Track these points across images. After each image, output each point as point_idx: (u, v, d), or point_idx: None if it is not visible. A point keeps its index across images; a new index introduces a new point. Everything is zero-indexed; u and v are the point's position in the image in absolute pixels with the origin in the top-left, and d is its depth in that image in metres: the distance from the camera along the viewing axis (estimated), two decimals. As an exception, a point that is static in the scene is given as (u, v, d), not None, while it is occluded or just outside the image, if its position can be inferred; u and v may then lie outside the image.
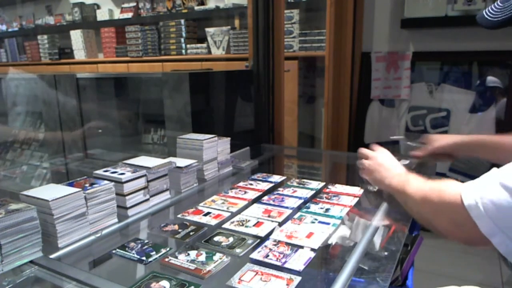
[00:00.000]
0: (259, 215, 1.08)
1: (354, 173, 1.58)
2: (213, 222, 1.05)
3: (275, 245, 0.90)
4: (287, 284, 0.75)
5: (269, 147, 1.96)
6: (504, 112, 2.25)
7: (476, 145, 1.28)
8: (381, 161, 1.15)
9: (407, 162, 1.35)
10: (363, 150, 1.25)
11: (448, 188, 0.78)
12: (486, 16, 0.97)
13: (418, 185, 0.90)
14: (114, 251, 0.90)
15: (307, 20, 3.03)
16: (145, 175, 1.12)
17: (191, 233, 0.98)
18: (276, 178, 1.41)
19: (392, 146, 2.47)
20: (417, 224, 1.33)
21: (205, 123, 1.66)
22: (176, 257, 0.85)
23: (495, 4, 0.95)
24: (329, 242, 0.92)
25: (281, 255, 0.85)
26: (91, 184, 0.99)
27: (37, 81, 2.16)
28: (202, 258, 0.85)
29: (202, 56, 3.63)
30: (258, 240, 0.93)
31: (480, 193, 0.70)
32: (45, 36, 4.82)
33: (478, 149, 1.28)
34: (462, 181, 0.78)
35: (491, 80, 2.30)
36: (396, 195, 1.02)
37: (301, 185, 1.32)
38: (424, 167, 1.41)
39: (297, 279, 0.76)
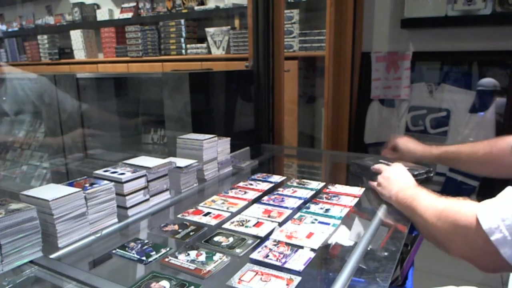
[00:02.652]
0: (259, 215, 1.08)
1: (354, 173, 1.58)
2: (213, 222, 1.05)
3: (275, 245, 0.90)
4: (287, 284, 0.75)
5: (269, 147, 1.96)
6: (504, 112, 2.25)
7: (449, 159, 1.23)
8: (388, 175, 1.12)
9: (416, 172, 1.27)
10: (377, 166, 1.23)
11: (463, 209, 0.72)
12: None
13: (429, 203, 0.84)
14: (114, 251, 0.90)
15: (307, 20, 3.03)
16: (145, 175, 1.12)
17: (191, 233, 0.98)
18: (276, 178, 1.41)
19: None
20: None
21: (205, 123, 1.66)
22: (176, 257, 0.85)
23: None
24: (329, 242, 0.92)
25: (281, 255, 0.85)
26: (91, 184, 0.99)
27: (36, 80, 2.16)
28: (202, 258, 0.85)
29: (202, 56, 3.63)
30: (258, 240, 0.93)
31: (501, 215, 0.63)
32: (45, 36, 4.82)
33: (453, 163, 1.25)
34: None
35: (483, 83, 2.30)
36: (403, 210, 0.98)
37: (301, 185, 1.32)
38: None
39: (297, 279, 0.76)
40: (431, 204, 0.83)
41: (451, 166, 1.20)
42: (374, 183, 1.19)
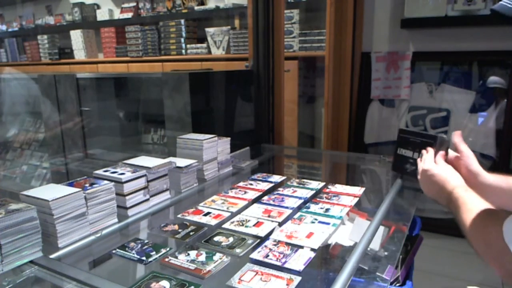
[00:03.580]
0: (259, 215, 1.08)
1: (354, 173, 1.58)
2: (213, 222, 1.05)
3: (275, 245, 0.90)
4: (287, 284, 0.75)
5: (269, 147, 1.96)
6: (504, 112, 2.25)
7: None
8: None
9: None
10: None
11: (491, 225, 0.72)
12: (507, 4, 0.93)
13: (468, 214, 0.81)
14: (114, 251, 0.90)
15: (307, 20, 3.03)
16: (145, 175, 1.11)
17: (191, 233, 0.98)
18: (276, 178, 1.41)
19: (392, 146, 2.47)
20: (417, 224, 1.33)
21: (205, 123, 1.66)
22: (176, 257, 0.85)
23: None
24: (329, 242, 0.92)
25: (281, 255, 0.85)
26: (91, 184, 0.99)
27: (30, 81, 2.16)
28: (202, 258, 0.85)
29: (202, 56, 3.63)
30: (258, 240, 0.93)
31: None
32: (45, 36, 4.82)
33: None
34: None
35: (493, 80, 2.30)
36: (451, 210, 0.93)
37: (301, 185, 1.32)
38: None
39: (297, 279, 0.76)
40: (469, 215, 0.81)
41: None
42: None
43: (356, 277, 0.77)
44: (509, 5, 0.91)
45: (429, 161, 1.05)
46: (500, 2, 0.93)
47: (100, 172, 1.09)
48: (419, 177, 1.07)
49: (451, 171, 1.00)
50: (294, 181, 1.37)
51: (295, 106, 2.81)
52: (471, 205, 0.83)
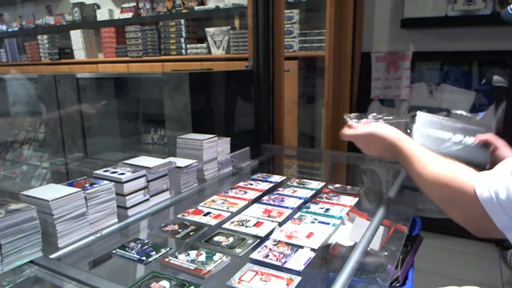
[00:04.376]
0: (259, 215, 1.08)
1: (354, 173, 1.58)
2: (213, 222, 1.05)
3: (275, 245, 0.90)
4: (287, 284, 0.75)
5: (269, 147, 1.96)
6: (504, 112, 2.25)
7: None
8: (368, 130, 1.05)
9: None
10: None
11: (462, 177, 0.75)
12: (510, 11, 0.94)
13: (429, 164, 0.85)
14: (114, 251, 0.90)
15: (307, 20, 3.03)
16: (145, 175, 1.12)
17: (191, 233, 0.98)
18: (276, 178, 1.41)
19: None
20: (417, 224, 1.33)
21: (205, 123, 1.66)
22: (176, 257, 0.85)
23: None
24: (329, 242, 0.92)
25: (281, 255, 0.85)
26: (91, 184, 0.99)
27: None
28: (202, 258, 0.85)
29: (202, 56, 3.64)
30: (258, 240, 0.93)
31: (495, 186, 0.68)
32: (45, 36, 4.82)
33: None
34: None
35: (497, 79, 2.30)
36: (401, 162, 0.96)
37: (301, 185, 1.32)
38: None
39: (297, 279, 0.76)
40: (432, 165, 0.84)
41: None
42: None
43: (356, 277, 0.77)
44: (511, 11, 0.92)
45: (374, 125, 1.08)
46: (507, 9, 0.94)
47: (100, 172, 1.09)
48: (359, 142, 1.10)
49: (386, 127, 1.04)
50: (294, 181, 1.37)
51: (295, 106, 2.81)
52: (422, 155, 0.88)
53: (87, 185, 0.98)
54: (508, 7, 0.96)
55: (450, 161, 0.83)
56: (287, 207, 1.13)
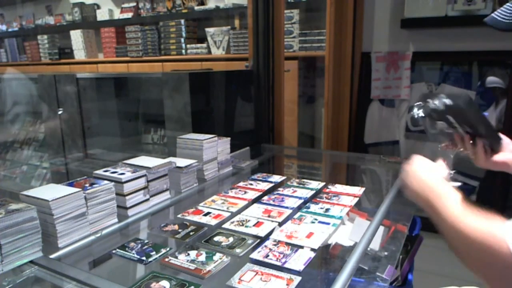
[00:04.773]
0: (259, 215, 1.08)
1: (354, 173, 1.58)
2: (213, 222, 1.05)
3: (275, 245, 0.90)
4: (287, 284, 0.75)
5: (269, 147, 1.96)
6: (504, 112, 2.25)
7: None
8: (412, 167, 0.88)
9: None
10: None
11: (492, 230, 0.65)
12: (497, 18, 0.92)
13: (453, 211, 0.75)
14: (114, 251, 0.90)
15: (307, 20, 3.03)
16: (145, 175, 1.11)
17: (191, 233, 0.98)
18: (276, 178, 1.41)
19: (392, 146, 2.47)
20: (417, 224, 1.33)
21: (205, 123, 1.66)
22: (176, 257, 0.85)
23: (507, 5, 0.91)
24: (329, 242, 0.92)
25: (281, 255, 0.85)
26: (91, 184, 0.99)
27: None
28: (202, 258, 0.85)
29: (202, 56, 3.63)
30: (258, 240, 0.93)
31: None
32: (45, 36, 4.82)
33: None
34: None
35: (491, 80, 2.30)
36: (425, 209, 0.81)
37: (301, 185, 1.32)
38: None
39: (297, 279, 0.76)
40: (456, 213, 0.75)
41: None
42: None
43: (356, 277, 0.77)
44: (498, 18, 0.91)
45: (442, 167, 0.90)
46: (491, 14, 0.93)
47: (100, 172, 1.09)
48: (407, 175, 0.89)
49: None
50: (294, 181, 1.37)
51: (295, 106, 2.81)
52: (455, 199, 0.76)
53: (87, 185, 0.98)
54: (494, 13, 0.93)
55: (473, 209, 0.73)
56: (287, 207, 1.13)
